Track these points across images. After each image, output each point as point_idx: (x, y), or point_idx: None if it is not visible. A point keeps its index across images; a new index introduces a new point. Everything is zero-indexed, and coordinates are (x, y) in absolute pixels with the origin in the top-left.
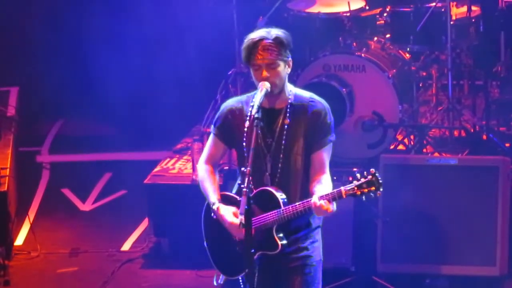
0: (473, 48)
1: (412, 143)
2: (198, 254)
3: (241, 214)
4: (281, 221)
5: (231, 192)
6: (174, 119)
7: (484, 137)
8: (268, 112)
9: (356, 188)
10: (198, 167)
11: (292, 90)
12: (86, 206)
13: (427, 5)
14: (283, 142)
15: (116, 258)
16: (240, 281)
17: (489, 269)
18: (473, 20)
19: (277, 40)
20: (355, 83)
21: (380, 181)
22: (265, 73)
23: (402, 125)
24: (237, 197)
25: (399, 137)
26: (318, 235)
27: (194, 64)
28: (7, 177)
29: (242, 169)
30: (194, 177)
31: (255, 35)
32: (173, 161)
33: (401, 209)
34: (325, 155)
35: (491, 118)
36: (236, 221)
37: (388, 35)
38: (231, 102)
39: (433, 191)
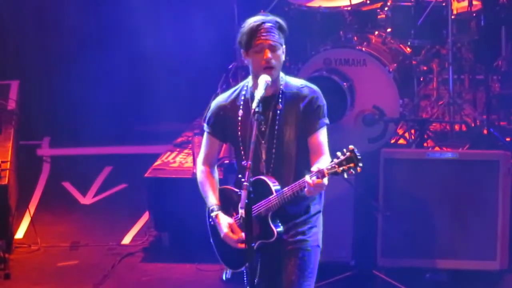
0: (474, 43)
1: (413, 137)
2: (198, 248)
3: (241, 208)
4: (274, 208)
5: (230, 185)
6: (174, 113)
7: (485, 131)
8: (262, 99)
9: (336, 166)
10: (197, 169)
11: (283, 78)
12: (86, 200)
13: None
14: (276, 128)
15: (116, 251)
16: (244, 273)
17: (489, 263)
18: (474, 15)
19: (277, 23)
20: (356, 77)
21: (359, 157)
22: (268, 54)
23: (403, 119)
24: (237, 190)
25: (400, 131)
26: (317, 221)
27: (195, 58)
28: (7, 171)
29: (243, 163)
30: (194, 170)
31: (255, 19)
32: (173, 154)
33: (402, 203)
34: (321, 137)
35: (492, 112)
36: (232, 235)
37: (389, 29)
38: (221, 99)
39: (434, 185)
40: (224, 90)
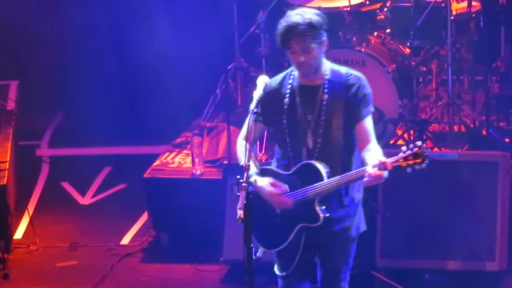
0: (473, 43)
1: (412, 138)
2: (197, 248)
3: (239, 209)
4: (323, 193)
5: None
6: (174, 113)
7: (484, 132)
8: (307, 89)
9: (401, 159)
10: (237, 143)
11: (328, 66)
12: (85, 200)
13: (427, 0)
14: (323, 118)
15: (115, 252)
16: (274, 252)
17: (488, 264)
18: (474, 15)
19: (310, 25)
20: None
21: (426, 154)
22: (300, 58)
23: (402, 120)
24: (280, 171)
25: (399, 132)
26: (359, 206)
27: (194, 58)
28: (6, 171)
29: (241, 163)
30: (193, 171)
31: (289, 20)
32: (172, 155)
33: (401, 204)
34: (368, 125)
35: (491, 113)
36: (275, 190)
37: (388, 30)
38: (268, 84)
39: (433, 186)
40: (223, 91)
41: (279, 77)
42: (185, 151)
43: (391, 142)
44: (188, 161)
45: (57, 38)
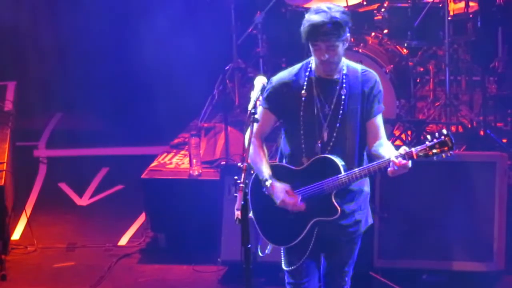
0: (471, 44)
1: (409, 138)
2: (195, 249)
3: (237, 209)
4: (341, 186)
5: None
6: (171, 114)
7: (482, 132)
8: (326, 82)
9: (428, 148)
10: (249, 151)
11: (344, 61)
12: (83, 201)
13: (424, 1)
14: (341, 112)
15: (113, 253)
16: (282, 252)
17: (486, 264)
18: (471, 16)
19: (337, 24)
20: None
21: (453, 142)
22: (325, 55)
23: (400, 121)
24: (291, 166)
25: (396, 133)
26: (367, 200)
27: (192, 59)
28: (4, 172)
29: (239, 164)
30: (191, 172)
31: (316, 18)
32: (170, 156)
33: (398, 204)
34: (380, 121)
35: (489, 113)
36: (288, 200)
37: (385, 31)
38: (283, 75)
39: (430, 186)
40: (220, 91)
41: (294, 69)
42: (182, 152)
43: None
44: (185, 162)
45: (55, 39)
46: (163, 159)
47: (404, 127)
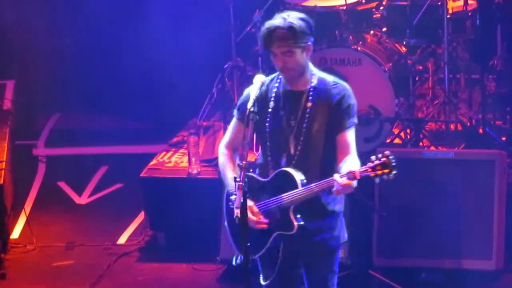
0: (470, 42)
1: (408, 136)
2: (194, 247)
3: (236, 208)
4: (298, 201)
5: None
6: (170, 112)
7: (481, 130)
8: (292, 94)
9: (370, 169)
10: (219, 151)
11: (316, 74)
12: (82, 200)
13: None
14: (305, 125)
15: (112, 251)
16: (258, 261)
17: (485, 263)
18: (470, 14)
19: (291, 29)
20: (351, 77)
21: (394, 164)
22: (281, 62)
23: (399, 119)
24: (260, 178)
25: (396, 131)
26: (340, 218)
27: (191, 58)
28: (3, 171)
29: (238, 163)
30: (190, 170)
31: (271, 23)
32: (169, 154)
33: (397, 203)
34: (349, 136)
35: (488, 111)
36: (252, 217)
37: (384, 29)
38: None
39: (430, 184)
40: (219, 90)
41: (267, 80)
42: (181, 151)
43: (388, 141)
44: (184, 161)
45: (54, 38)
46: (162, 158)
47: (403, 125)
